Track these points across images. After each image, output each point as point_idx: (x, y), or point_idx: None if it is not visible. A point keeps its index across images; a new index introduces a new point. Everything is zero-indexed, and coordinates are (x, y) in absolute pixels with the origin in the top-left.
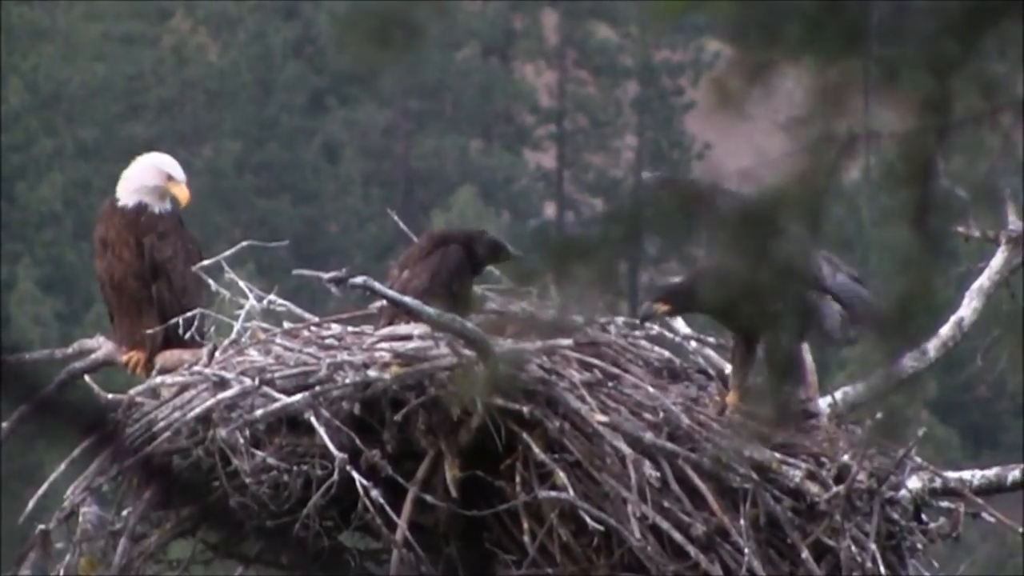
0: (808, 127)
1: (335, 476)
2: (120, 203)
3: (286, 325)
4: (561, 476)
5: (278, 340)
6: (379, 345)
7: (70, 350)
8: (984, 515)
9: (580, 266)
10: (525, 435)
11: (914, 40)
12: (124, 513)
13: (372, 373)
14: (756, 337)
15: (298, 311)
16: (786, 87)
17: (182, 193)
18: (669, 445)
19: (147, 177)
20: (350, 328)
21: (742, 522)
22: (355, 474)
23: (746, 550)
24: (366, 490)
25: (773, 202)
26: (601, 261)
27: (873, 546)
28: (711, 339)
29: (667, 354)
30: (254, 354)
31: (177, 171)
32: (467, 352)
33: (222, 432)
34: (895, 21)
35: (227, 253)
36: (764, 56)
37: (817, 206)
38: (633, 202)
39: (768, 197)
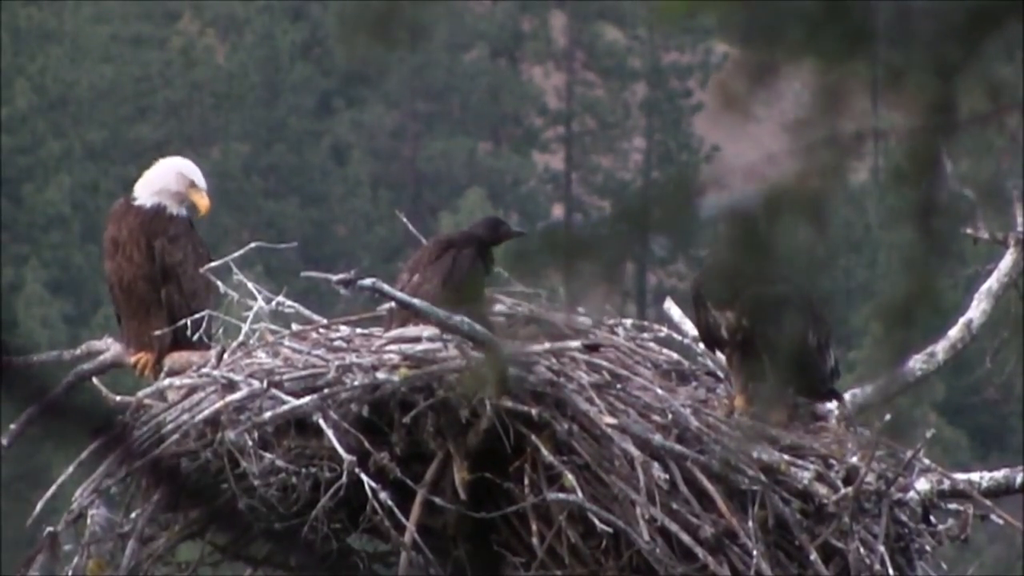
0: (812, 128)
1: (343, 478)
2: (137, 202)
3: (294, 327)
4: (570, 478)
5: (286, 342)
6: (388, 347)
7: (78, 352)
8: (992, 517)
9: (586, 263)
10: (534, 437)
11: (918, 42)
12: (132, 515)
13: (381, 375)
14: (751, 341)
15: (306, 313)
16: (794, 89)
17: (203, 202)
18: (678, 447)
19: (170, 181)
20: (359, 330)
21: (750, 524)
22: (363, 476)
23: (754, 552)
24: (375, 492)
25: (777, 202)
26: (607, 259)
27: (881, 548)
28: None
29: (675, 356)
30: (262, 356)
31: (200, 179)
32: (476, 354)
33: (230, 434)
34: (899, 23)
35: (235, 255)
36: (768, 57)
37: (821, 206)
38: (640, 201)
39: (772, 197)
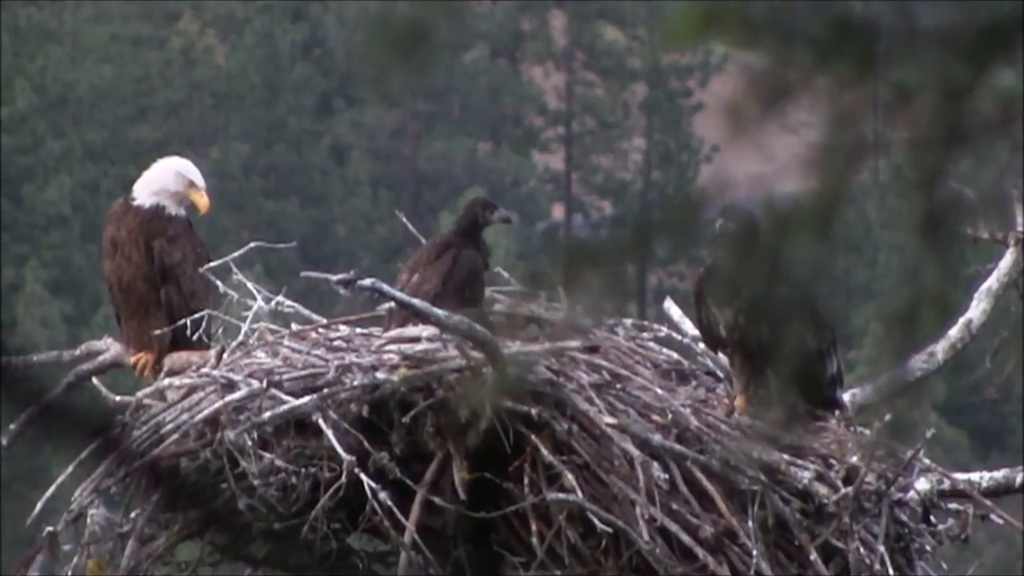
0: (824, 151)
1: (343, 478)
2: (136, 202)
3: (294, 327)
4: (569, 478)
5: (286, 342)
6: (387, 347)
7: (78, 352)
8: (992, 517)
9: (589, 271)
10: (533, 437)
11: (924, 64)
12: (132, 515)
13: (380, 375)
14: (748, 341)
15: (306, 313)
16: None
17: (202, 201)
18: (677, 447)
19: (169, 181)
20: (358, 330)
21: (750, 524)
22: (363, 476)
23: (754, 552)
24: (374, 492)
25: (785, 214)
26: (610, 266)
27: (881, 548)
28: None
29: (675, 356)
30: (262, 356)
31: (199, 178)
32: (476, 354)
33: (230, 434)
34: (905, 46)
35: (235, 255)
36: (778, 82)
37: (829, 219)
38: (642, 205)
39: (780, 209)
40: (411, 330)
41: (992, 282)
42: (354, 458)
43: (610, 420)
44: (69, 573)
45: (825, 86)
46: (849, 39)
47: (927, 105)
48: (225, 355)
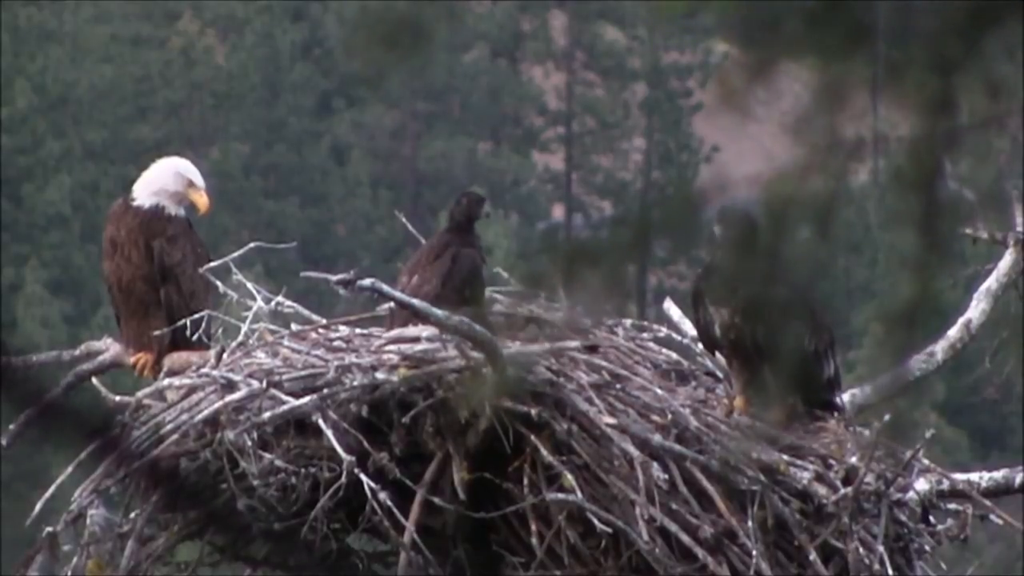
0: (813, 128)
1: (343, 478)
2: (136, 203)
3: (294, 327)
4: (569, 478)
5: (286, 342)
6: (387, 347)
7: (77, 352)
8: (992, 517)
9: (589, 270)
10: (533, 437)
11: (918, 40)
12: (132, 515)
13: (380, 375)
14: (743, 341)
15: (306, 313)
16: (793, 90)
17: (202, 200)
18: (677, 447)
19: (168, 181)
20: (358, 330)
21: (750, 524)
22: (363, 476)
23: (754, 552)
24: (374, 492)
25: (778, 205)
26: (610, 265)
27: (881, 548)
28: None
29: (675, 356)
30: (262, 356)
31: (198, 178)
32: (475, 354)
33: (230, 434)
34: (899, 21)
35: (235, 255)
36: (767, 54)
37: (826, 209)
38: (642, 206)
39: (776, 201)
40: (411, 330)
41: (991, 282)
42: (354, 458)
43: (610, 420)
44: (69, 573)
45: (815, 59)
46: (840, 10)
47: (921, 82)
48: (225, 355)
